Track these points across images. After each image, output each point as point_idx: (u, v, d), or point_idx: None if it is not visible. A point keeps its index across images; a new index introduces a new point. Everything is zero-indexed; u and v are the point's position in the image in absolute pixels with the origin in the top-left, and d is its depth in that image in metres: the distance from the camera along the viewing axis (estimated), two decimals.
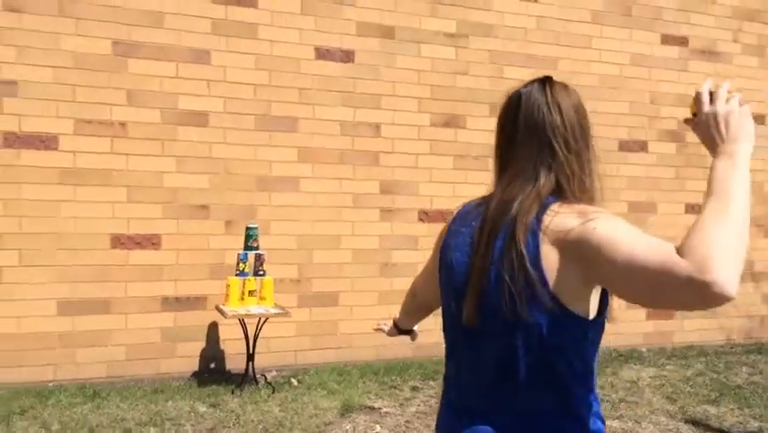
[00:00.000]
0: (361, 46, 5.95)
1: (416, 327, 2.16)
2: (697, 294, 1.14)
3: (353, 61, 5.93)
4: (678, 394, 5.27)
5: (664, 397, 5.22)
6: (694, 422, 4.71)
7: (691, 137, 7.03)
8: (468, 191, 6.23)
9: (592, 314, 1.40)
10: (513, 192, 1.45)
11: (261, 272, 5.20)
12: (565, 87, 1.53)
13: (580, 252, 1.32)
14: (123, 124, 5.30)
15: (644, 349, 6.66)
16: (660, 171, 6.94)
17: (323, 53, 5.84)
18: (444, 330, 1.59)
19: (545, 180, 1.45)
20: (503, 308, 1.37)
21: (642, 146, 6.89)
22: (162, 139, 5.40)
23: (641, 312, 6.81)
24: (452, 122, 6.21)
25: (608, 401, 5.06)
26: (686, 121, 1.52)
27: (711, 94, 1.44)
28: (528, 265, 1.34)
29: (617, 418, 4.75)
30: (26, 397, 4.62)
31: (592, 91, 6.68)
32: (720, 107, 1.41)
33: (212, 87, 5.54)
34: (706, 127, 1.42)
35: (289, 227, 5.71)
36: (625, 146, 6.82)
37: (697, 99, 1.45)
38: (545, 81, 1.53)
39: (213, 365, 5.49)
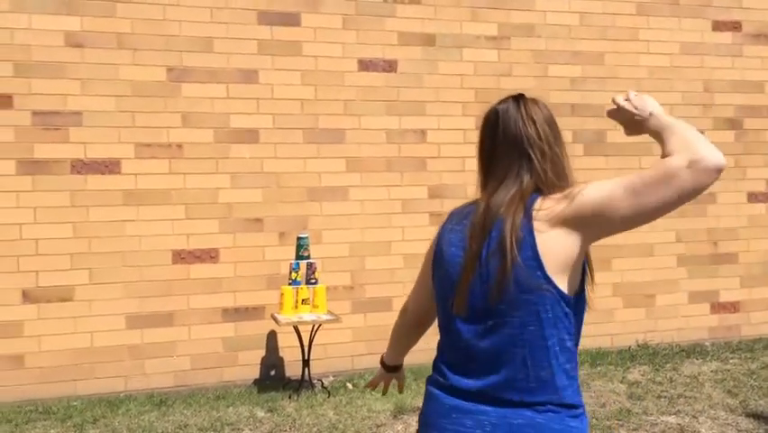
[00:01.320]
0: (404, 55, 6.07)
1: (403, 366, 2.16)
2: (700, 172, 1.46)
3: (396, 71, 6.06)
4: (740, 388, 5.15)
5: (725, 391, 5.11)
6: (755, 416, 4.60)
7: (749, 124, 6.84)
8: None
9: (575, 293, 1.63)
10: (500, 195, 1.65)
11: (313, 281, 5.38)
12: (536, 102, 1.74)
13: (581, 218, 1.56)
14: (179, 146, 5.59)
15: (708, 343, 6.50)
16: None
17: (366, 65, 5.99)
18: (439, 321, 1.77)
19: (527, 184, 1.65)
20: (500, 293, 1.57)
21: None
22: (216, 157, 5.66)
23: (704, 306, 6.66)
24: None
25: (665, 397, 4.99)
26: (609, 114, 1.79)
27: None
28: (524, 253, 1.55)
29: (674, 413, 4.69)
30: (99, 407, 4.94)
31: (641, 83, 6.59)
32: (633, 100, 1.69)
33: (261, 104, 5.78)
34: (631, 118, 1.69)
35: (341, 235, 5.88)
36: None
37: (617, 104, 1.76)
38: (519, 99, 1.74)
39: (273, 372, 5.71)
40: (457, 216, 1.76)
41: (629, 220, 1.52)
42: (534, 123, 1.68)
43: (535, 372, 1.57)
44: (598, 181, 1.58)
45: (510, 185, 1.65)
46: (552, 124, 1.71)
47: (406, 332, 2.05)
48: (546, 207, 1.59)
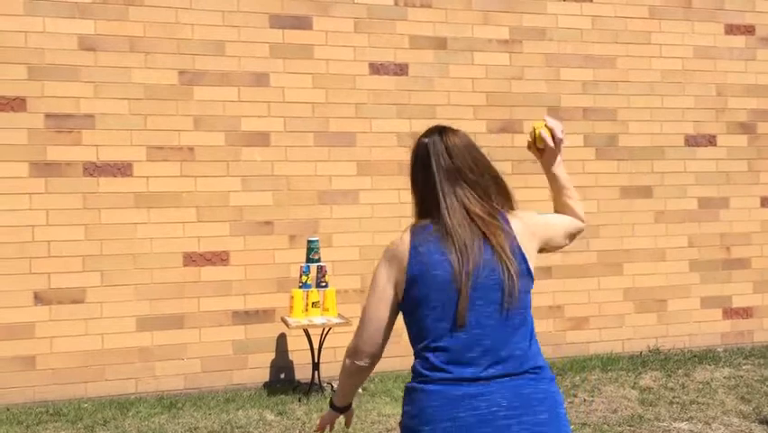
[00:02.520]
0: (415, 59, 6.07)
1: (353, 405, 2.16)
2: (580, 229, 2.14)
3: (407, 74, 6.06)
4: (753, 395, 5.10)
5: (738, 398, 5.07)
6: None
7: (763, 128, 6.79)
8: (527, 195, 6.20)
9: None
10: (457, 217, 1.89)
11: (324, 284, 5.38)
12: (456, 132, 1.99)
13: (537, 231, 2.01)
14: (191, 149, 5.61)
15: (720, 349, 6.45)
16: (731, 165, 6.72)
17: (377, 68, 6.00)
18: (429, 330, 1.87)
19: (484, 203, 1.93)
20: (513, 298, 1.85)
21: (710, 140, 6.70)
22: (227, 160, 5.68)
23: (717, 312, 6.61)
24: (508, 127, 6.24)
25: (678, 403, 4.96)
26: (530, 148, 2.15)
27: (551, 130, 2.09)
28: (518, 255, 1.89)
29: (687, 420, 4.65)
30: (109, 409, 4.96)
31: (654, 87, 6.57)
32: (561, 136, 2.10)
33: (272, 107, 5.79)
34: (553, 153, 2.10)
35: (351, 239, 5.87)
36: (692, 141, 6.65)
37: (540, 136, 2.09)
38: (442, 131, 1.99)
39: (282, 375, 5.71)
40: (425, 240, 1.89)
41: (553, 248, 2.09)
42: (458, 151, 1.94)
43: (530, 347, 1.88)
44: (549, 213, 2.13)
45: (471, 205, 1.90)
46: (477, 150, 1.98)
47: (361, 375, 2.03)
48: (517, 222, 1.94)
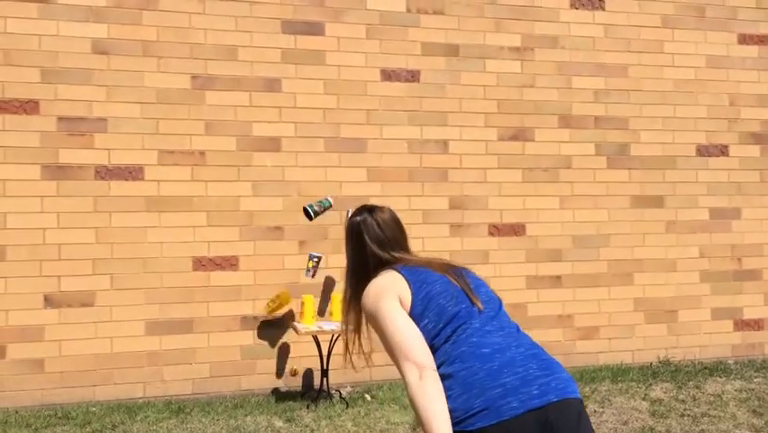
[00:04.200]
0: (426, 65, 6.07)
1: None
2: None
3: (419, 81, 6.05)
4: (765, 408, 5.06)
5: (750, 411, 5.02)
6: None
7: None
8: (538, 203, 6.23)
9: None
10: (420, 259, 2.25)
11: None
12: (381, 209, 2.34)
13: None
14: (202, 153, 5.61)
15: (731, 361, 6.40)
16: (743, 175, 6.69)
17: (388, 74, 5.99)
18: (448, 314, 2.02)
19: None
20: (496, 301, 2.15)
21: (722, 150, 6.67)
22: (238, 165, 5.67)
23: (727, 323, 6.57)
24: (519, 135, 6.22)
25: (689, 415, 4.92)
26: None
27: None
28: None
29: (699, 432, 4.61)
30: (117, 413, 4.95)
31: (666, 96, 6.55)
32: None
33: (283, 113, 5.79)
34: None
35: None
36: (704, 151, 6.62)
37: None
38: (372, 210, 2.32)
39: (291, 381, 5.69)
40: (417, 275, 2.12)
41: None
42: (396, 225, 2.34)
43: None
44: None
45: (417, 255, 2.29)
46: (396, 221, 2.34)
47: (440, 384, 1.84)
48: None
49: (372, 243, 2.25)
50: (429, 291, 2.04)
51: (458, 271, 2.15)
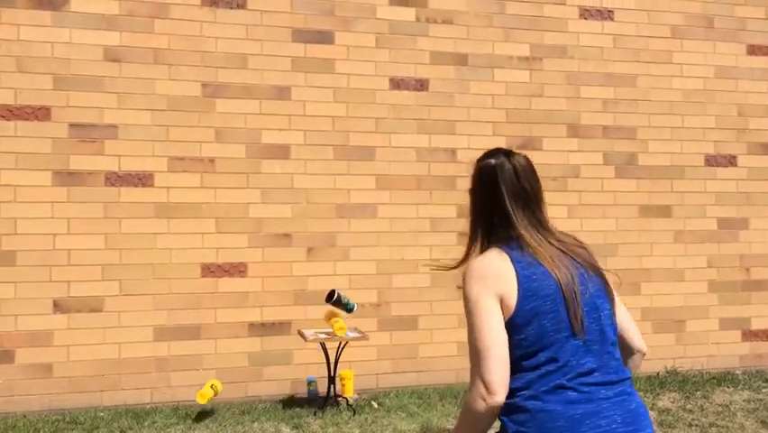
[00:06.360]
0: (435, 74, 6.09)
1: None
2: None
3: (427, 89, 6.08)
4: None
5: (758, 421, 5.00)
6: None
7: None
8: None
9: None
10: (543, 232, 1.91)
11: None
12: (518, 153, 1.97)
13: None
14: (211, 160, 5.65)
15: (739, 372, 6.38)
16: (751, 186, 6.68)
17: (397, 83, 6.02)
18: (547, 339, 1.78)
19: (548, 221, 1.97)
20: (607, 309, 1.87)
21: (731, 160, 6.66)
22: (247, 172, 5.71)
23: (735, 334, 6.55)
24: (528, 144, 6.24)
25: (697, 425, 4.90)
26: None
27: None
28: (600, 271, 1.93)
29: None
30: (125, 418, 4.97)
31: (675, 106, 6.55)
32: None
33: (293, 121, 5.82)
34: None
35: (368, 253, 5.88)
36: (712, 161, 6.62)
37: None
38: (508, 153, 1.96)
39: (298, 388, 5.69)
40: (515, 254, 1.84)
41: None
42: (528, 173, 1.94)
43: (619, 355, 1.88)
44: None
45: (541, 224, 1.92)
46: (536, 173, 1.97)
47: (493, 419, 1.75)
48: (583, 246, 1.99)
49: (508, 195, 1.88)
50: (537, 307, 1.77)
51: (582, 285, 1.82)
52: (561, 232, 1.94)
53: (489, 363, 1.69)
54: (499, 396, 1.69)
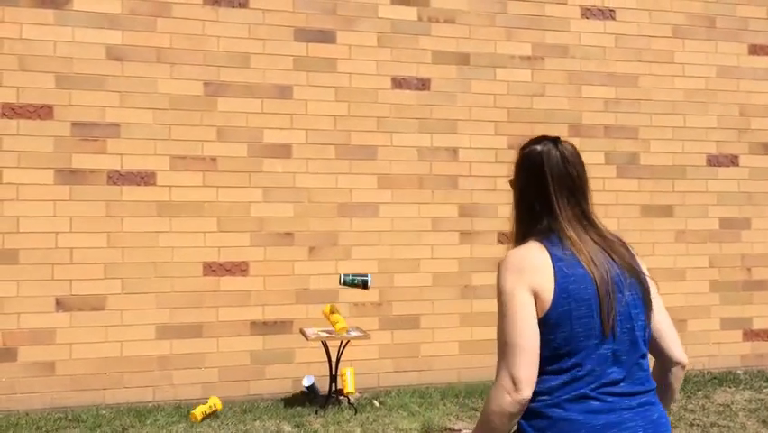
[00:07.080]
0: (437, 73, 6.10)
1: None
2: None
3: (429, 89, 6.09)
4: None
5: (760, 421, 5.00)
6: None
7: None
8: None
9: None
10: (587, 227, 1.83)
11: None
12: (565, 141, 1.87)
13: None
14: (213, 159, 5.66)
15: (740, 372, 6.38)
16: (753, 186, 6.68)
17: (399, 82, 6.03)
18: (576, 345, 1.72)
19: (593, 215, 1.87)
20: (642, 320, 1.80)
21: (732, 160, 6.67)
22: (249, 171, 5.71)
23: (737, 334, 6.55)
24: None
25: (698, 425, 4.91)
26: None
27: None
28: (642, 273, 1.87)
29: None
30: (127, 416, 4.98)
31: (676, 106, 6.56)
32: None
33: (294, 120, 5.83)
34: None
35: (370, 252, 5.88)
36: (713, 160, 6.62)
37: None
38: (555, 140, 1.86)
39: (299, 387, 5.70)
40: (554, 250, 1.77)
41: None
42: (575, 161, 1.85)
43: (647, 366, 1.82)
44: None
45: (585, 218, 1.84)
46: (583, 162, 1.87)
47: (517, 417, 1.72)
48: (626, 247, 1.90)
49: (554, 182, 1.79)
50: (571, 311, 1.70)
51: (619, 292, 1.76)
52: (605, 228, 1.85)
53: (518, 360, 1.65)
54: (526, 393, 1.65)
